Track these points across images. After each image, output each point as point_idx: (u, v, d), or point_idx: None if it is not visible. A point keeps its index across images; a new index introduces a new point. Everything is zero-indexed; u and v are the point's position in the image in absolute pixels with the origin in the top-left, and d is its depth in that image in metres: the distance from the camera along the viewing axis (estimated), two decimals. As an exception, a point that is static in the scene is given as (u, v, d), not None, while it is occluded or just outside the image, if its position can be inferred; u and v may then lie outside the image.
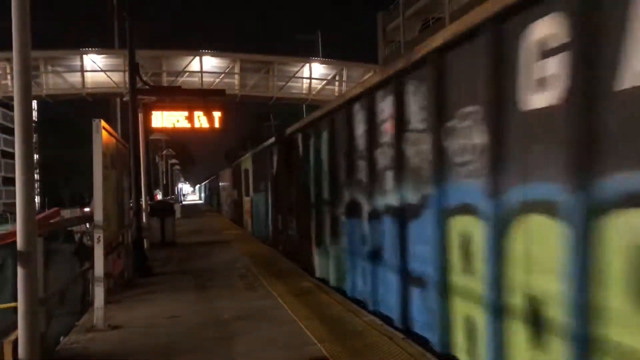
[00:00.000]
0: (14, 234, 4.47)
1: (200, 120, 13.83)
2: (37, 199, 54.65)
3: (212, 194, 48.93)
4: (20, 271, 4.38)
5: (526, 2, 3.74)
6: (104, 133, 6.68)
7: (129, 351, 5.47)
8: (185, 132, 16.25)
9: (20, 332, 4.39)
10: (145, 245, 11.92)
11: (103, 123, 6.66)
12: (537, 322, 3.70)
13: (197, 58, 32.51)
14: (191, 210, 43.22)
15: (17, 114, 4.46)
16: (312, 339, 5.53)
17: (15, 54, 4.40)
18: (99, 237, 6.36)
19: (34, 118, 38.21)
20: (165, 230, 15.55)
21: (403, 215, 5.72)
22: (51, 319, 5.96)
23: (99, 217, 6.41)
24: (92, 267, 6.85)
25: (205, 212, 39.61)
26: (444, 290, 4.86)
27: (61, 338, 6.14)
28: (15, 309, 4.57)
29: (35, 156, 54.30)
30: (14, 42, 4.39)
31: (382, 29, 38.27)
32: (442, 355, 4.87)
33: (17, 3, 4.38)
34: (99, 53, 31.26)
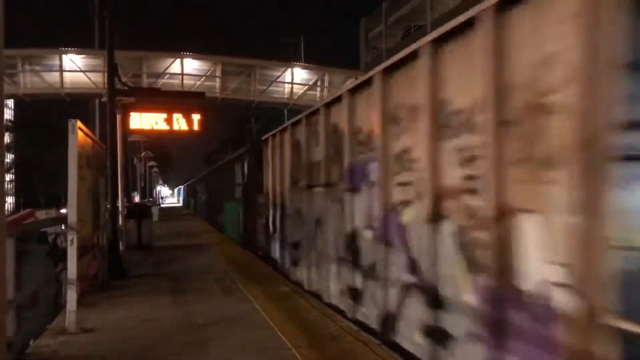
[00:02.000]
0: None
1: (179, 122, 13.74)
2: (12, 200, 53.63)
3: (209, 199, 28.06)
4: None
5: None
6: (80, 134, 6.60)
7: (101, 355, 5.38)
8: (165, 134, 16.14)
9: (-12, 335, 4.28)
10: (122, 248, 11.78)
11: (79, 123, 6.59)
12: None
13: (178, 60, 32.30)
14: (169, 213, 42.83)
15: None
16: (287, 344, 5.51)
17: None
18: (73, 238, 6.26)
19: (10, 117, 37.35)
20: (142, 232, 15.37)
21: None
22: (21, 321, 5.85)
23: (72, 218, 6.31)
24: (65, 268, 6.74)
25: (183, 216, 39.29)
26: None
27: (31, 341, 6.02)
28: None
29: (11, 156, 53.32)
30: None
31: (364, 36, 38.35)
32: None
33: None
34: (78, 53, 30.88)
